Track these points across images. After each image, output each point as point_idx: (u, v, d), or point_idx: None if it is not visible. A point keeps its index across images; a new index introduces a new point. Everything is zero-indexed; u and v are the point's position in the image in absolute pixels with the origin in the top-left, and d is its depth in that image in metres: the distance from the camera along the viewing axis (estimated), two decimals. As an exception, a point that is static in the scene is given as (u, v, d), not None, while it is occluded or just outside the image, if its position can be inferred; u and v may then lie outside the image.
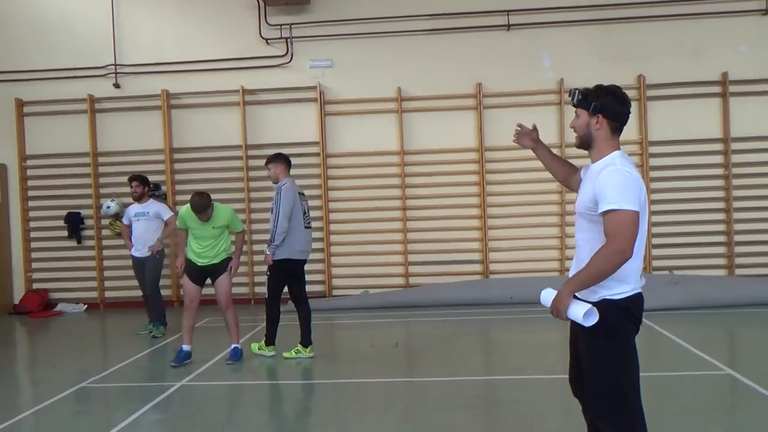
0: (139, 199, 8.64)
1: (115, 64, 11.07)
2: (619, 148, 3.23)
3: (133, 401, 5.70)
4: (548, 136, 10.43)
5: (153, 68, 11.03)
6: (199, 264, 6.90)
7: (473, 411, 5.20)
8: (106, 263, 11.12)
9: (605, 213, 3.03)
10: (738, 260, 10.43)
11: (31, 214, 11.31)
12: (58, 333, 9.53)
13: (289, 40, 10.88)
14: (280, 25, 10.85)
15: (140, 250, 8.58)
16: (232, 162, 10.90)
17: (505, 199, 10.66)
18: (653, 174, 10.50)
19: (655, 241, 10.47)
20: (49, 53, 11.12)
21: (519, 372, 6.32)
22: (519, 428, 4.77)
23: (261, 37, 10.87)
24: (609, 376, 3.12)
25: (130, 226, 8.73)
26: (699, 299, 9.04)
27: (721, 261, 10.51)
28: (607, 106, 3.21)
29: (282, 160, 7.15)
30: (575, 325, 3.21)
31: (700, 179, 10.52)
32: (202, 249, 6.87)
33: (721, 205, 10.53)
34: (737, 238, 10.42)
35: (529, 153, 3.71)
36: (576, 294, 3.10)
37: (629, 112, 3.27)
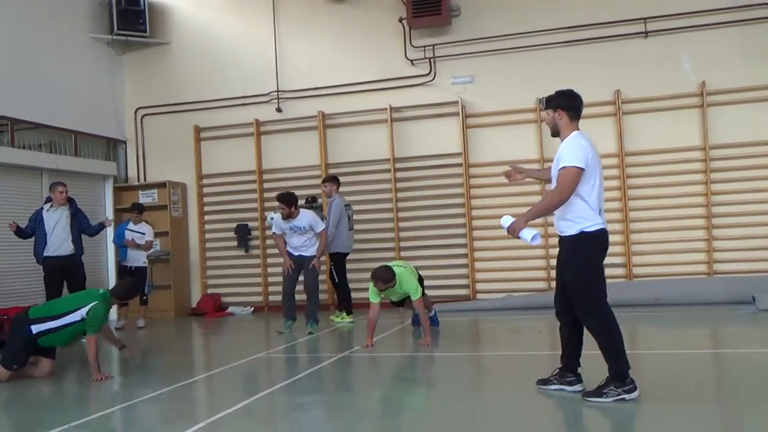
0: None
1: (278, 91, 12.33)
2: (577, 129, 4.73)
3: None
4: (691, 138, 10.51)
5: (310, 93, 12.16)
6: None
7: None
8: (270, 270, 12.18)
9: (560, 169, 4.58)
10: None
11: (206, 227, 12.71)
12: (231, 329, 10.67)
13: (432, 59, 11.65)
14: (424, 46, 11.68)
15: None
16: (381, 175, 11.74)
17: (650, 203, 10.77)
18: None
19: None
20: (223, 85, 12.56)
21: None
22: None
23: (406, 58, 11.74)
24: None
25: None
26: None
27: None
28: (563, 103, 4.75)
29: (334, 180, 10.25)
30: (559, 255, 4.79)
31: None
32: None
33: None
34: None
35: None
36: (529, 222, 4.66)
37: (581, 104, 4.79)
